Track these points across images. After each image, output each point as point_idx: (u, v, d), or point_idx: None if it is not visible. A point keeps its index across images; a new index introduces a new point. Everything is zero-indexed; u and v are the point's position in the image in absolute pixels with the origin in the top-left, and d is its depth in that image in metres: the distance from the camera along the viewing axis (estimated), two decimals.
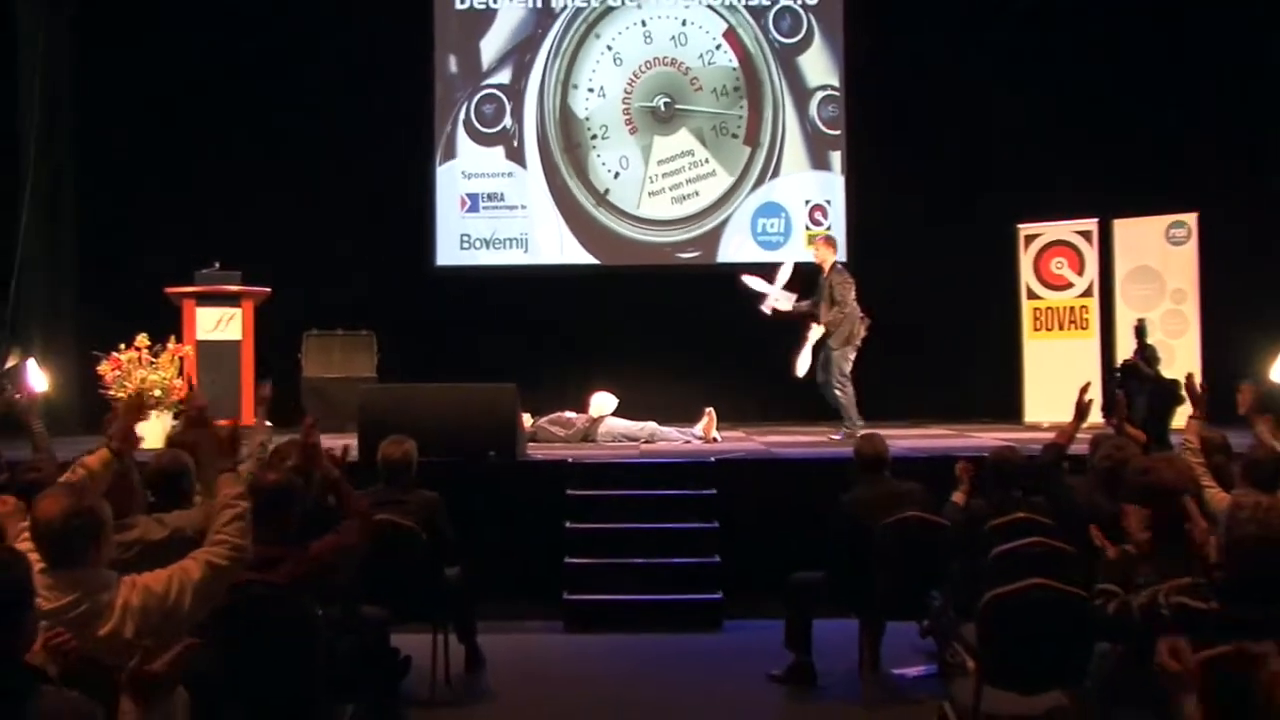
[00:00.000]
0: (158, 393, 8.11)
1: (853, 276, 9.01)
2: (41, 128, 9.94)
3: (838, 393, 8.91)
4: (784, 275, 9.28)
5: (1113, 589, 3.28)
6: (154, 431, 7.51)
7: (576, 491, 7.14)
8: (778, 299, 9.16)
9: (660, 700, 5.35)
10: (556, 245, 11.33)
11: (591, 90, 11.37)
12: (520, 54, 11.38)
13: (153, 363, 8.33)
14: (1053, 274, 10.49)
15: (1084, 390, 5.16)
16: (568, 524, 6.96)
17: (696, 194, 11.33)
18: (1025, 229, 10.61)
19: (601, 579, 6.74)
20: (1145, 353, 8.09)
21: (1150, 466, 3.67)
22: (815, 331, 8.93)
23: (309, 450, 4.57)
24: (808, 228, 11.28)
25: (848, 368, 8.90)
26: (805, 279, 9.31)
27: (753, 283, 9.32)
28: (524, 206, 11.34)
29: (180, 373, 8.43)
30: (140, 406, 3.51)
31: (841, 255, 9.98)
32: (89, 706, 2.43)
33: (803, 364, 9.03)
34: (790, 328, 9.41)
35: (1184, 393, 5.25)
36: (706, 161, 11.33)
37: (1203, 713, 2.54)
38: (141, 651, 2.79)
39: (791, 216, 11.32)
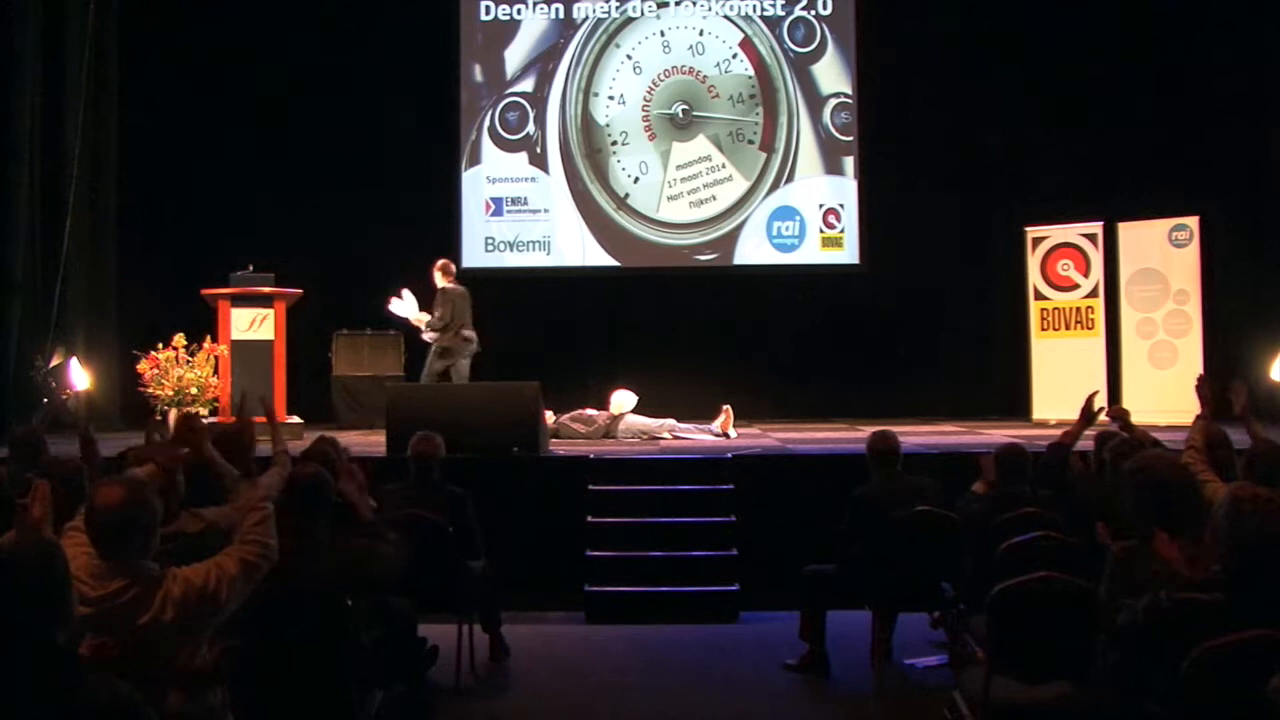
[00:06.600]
0: (194, 390, 8.34)
1: (461, 299, 9.24)
2: (86, 135, 10.03)
3: None
4: (406, 297, 9.44)
5: (1128, 602, 3.24)
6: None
7: (598, 487, 7.20)
8: (416, 317, 9.38)
9: (679, 688, 5.39)
10: (578, 248, 11.46)
11: (612, 98, 11.52)
12: (543, 63, 11.54)
13: (189, 362, 8.55)
14: (1059, 275, 10.52)
15: (1091, 398, 5.30)
16: (589, 518, 7.01)
17: (714, 198, 11.47)
18: (1032, 232, 10.67)
19: (622, 571, 6.78)
20: None
21: (1145, 465, 3.69)
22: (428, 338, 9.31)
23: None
24: (822, 230, 11.44)
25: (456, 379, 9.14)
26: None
27: (395, 308, 9.51)
28: (546, 210, 11.49)
29: (215, 371, 8.66)
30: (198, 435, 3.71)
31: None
32: (130, 694, 2.44)
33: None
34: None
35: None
36: (723, 167, 11.46)
37: None
38: (190, 647, 2.94)
39: (806, 220, 11.45)
